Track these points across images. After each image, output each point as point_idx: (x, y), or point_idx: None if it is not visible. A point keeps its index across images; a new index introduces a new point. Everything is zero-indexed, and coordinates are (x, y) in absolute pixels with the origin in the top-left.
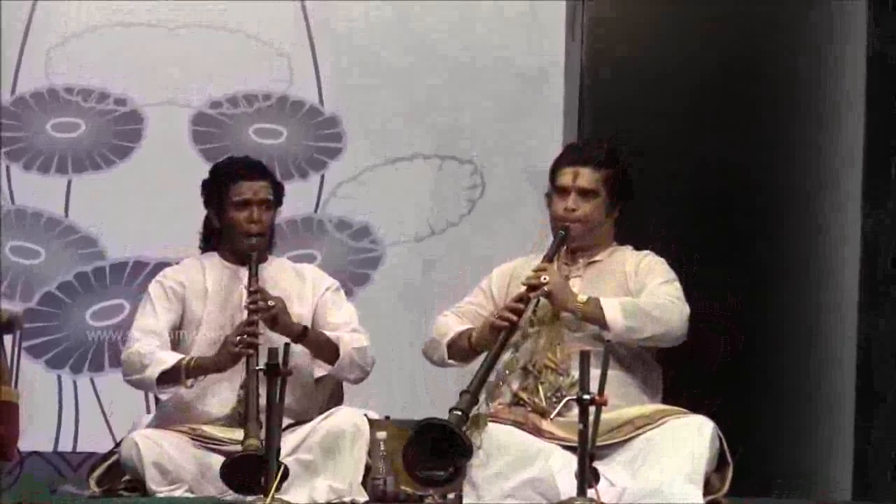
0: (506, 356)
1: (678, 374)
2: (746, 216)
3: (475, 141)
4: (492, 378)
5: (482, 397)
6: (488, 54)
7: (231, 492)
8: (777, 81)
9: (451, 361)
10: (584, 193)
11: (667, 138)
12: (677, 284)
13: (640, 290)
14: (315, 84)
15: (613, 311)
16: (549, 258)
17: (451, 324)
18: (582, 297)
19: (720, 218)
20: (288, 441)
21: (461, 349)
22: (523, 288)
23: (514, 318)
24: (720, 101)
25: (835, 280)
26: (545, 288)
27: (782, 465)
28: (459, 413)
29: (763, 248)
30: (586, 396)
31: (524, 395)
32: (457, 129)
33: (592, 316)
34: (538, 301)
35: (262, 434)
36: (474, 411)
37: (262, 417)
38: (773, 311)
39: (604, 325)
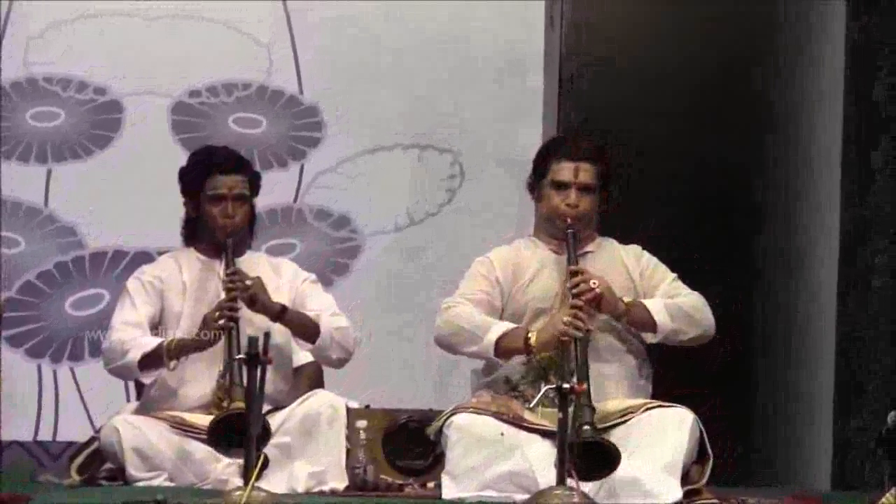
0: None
1: (678, 374)
2: (746, 216)
3: (455, 130)
4: (498, 374)
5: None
6: (468, 45)
7: (209, 481)
8: (777, 80)
9: (494, 358)
10: (586, 189)
11: (667, 138)
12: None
13: (654, 288)
14: (294, 73)
15: (661, 314)
16: (574, 261)
17: (481, 316)
18: (627, 300)
19: (720, 218)
20: None
21: (514, 350)
22: (573, 297)
23: (584, 325)
24: (720, 101)
25: (815, 274)
26: (597, 291)
27: (764, 458)
28: (590, 427)
29: (761, 248)
30: (566, 386)
31: (523, 387)
32: (436, 118)
33: (639, 319)
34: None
35: None
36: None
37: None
38: (764, 311)
39: (652, 327)
